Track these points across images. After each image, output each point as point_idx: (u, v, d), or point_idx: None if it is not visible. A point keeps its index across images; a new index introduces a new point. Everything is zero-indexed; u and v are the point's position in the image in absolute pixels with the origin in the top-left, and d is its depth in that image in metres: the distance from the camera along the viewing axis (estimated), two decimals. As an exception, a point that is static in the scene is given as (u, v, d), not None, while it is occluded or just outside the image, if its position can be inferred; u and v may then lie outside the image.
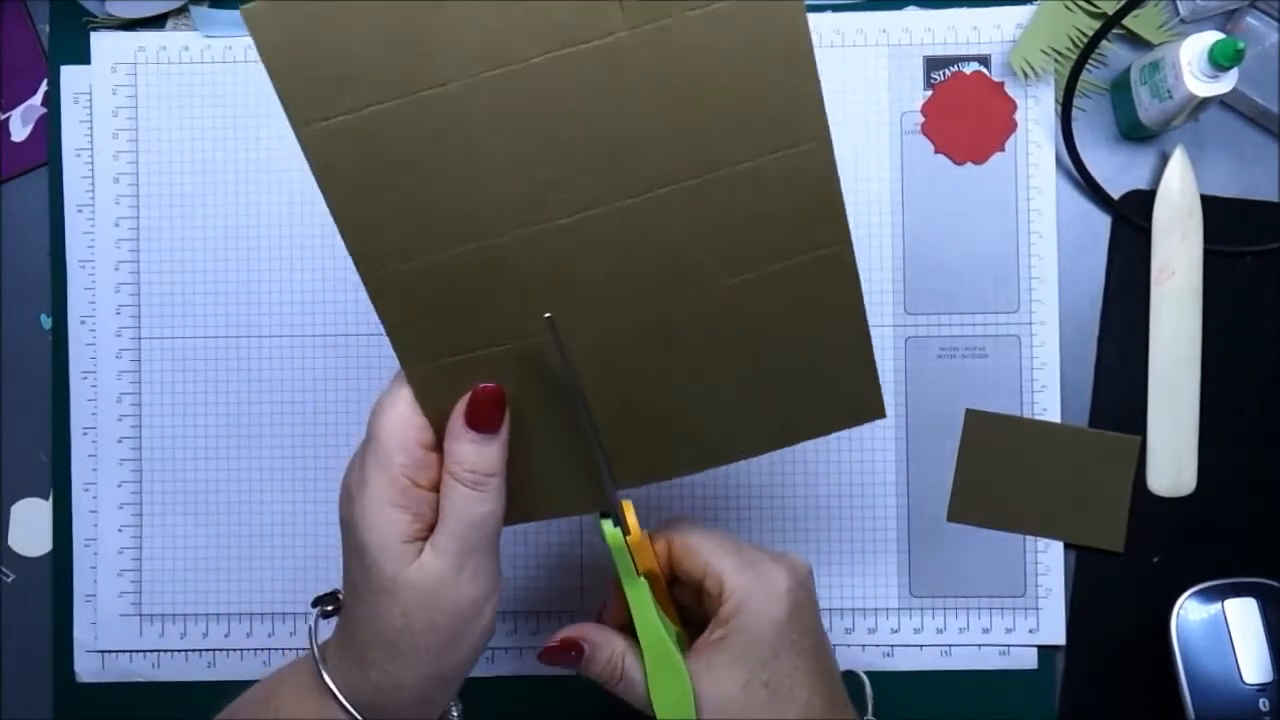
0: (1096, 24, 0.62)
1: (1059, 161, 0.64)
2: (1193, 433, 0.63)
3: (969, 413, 0.63)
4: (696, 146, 0.41)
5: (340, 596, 0.48)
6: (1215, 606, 0.59)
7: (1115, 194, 0.64)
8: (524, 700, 0.64)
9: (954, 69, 0.64)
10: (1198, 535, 0.63)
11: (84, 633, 0.65)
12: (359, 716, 0.45)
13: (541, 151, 0.41)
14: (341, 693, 0.45)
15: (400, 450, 0.43)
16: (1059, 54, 0.63)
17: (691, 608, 0.51)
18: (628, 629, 0.49)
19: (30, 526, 0.66)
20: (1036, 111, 0.64)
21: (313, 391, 0.65)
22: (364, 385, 0.65)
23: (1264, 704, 0.57)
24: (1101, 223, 0.64)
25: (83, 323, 0.65)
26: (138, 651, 0.65)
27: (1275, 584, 0.59)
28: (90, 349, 0.65)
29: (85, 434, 0.65)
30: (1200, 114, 0.61)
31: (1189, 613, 0.59)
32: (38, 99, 0.66)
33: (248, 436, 0.65)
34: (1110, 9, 0.61)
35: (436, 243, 0.42)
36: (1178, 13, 0.64)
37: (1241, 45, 0.56)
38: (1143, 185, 0.64)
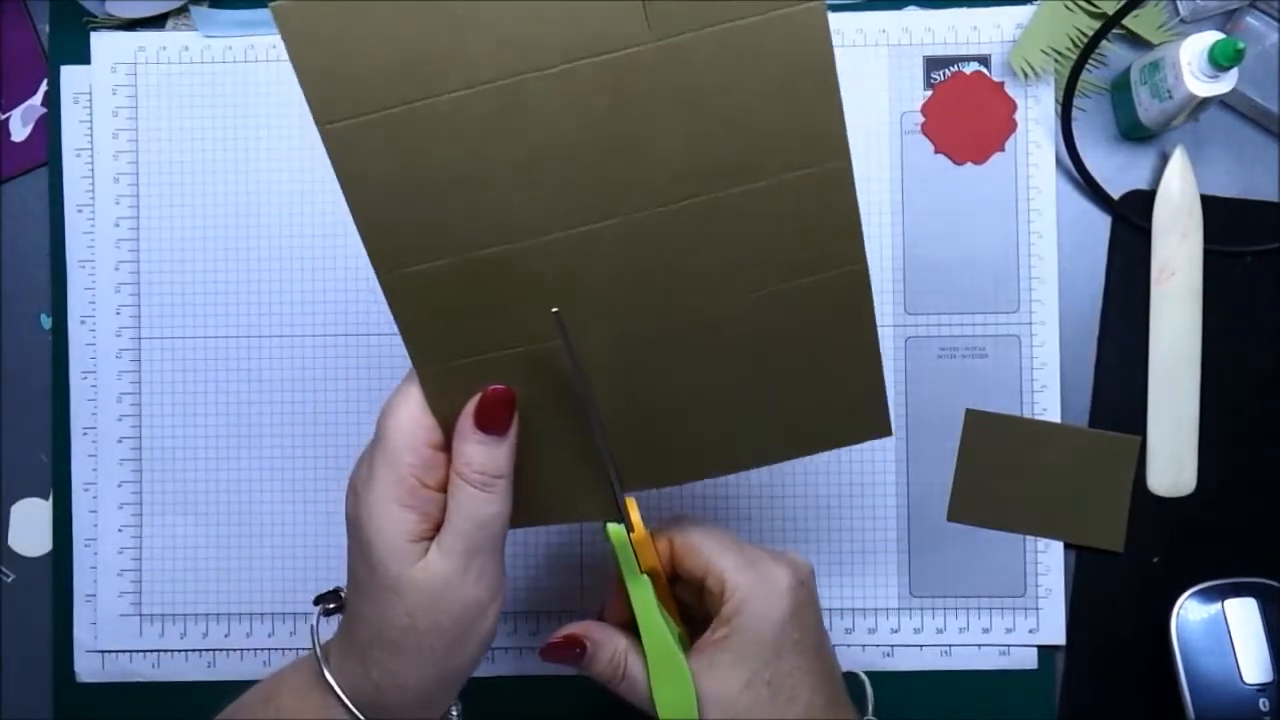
0: (1096, 24, 0.62)
1: (1059, 161, 0.64)
2: (1193, 433, 0.63)
3: (969, 413, 0.63)
4: (717, 160, 0.41)
5: (342, 595, 0.48)
6: (1215, 606, 0.59)
7: (1115, 194, 0.64)
8: (524, 700, 0.64)
9: (954, 69, 0.64)
10: (1198, 535, 0.63)
11: (84, 633, 0.65)
12: (361, 716, 0.45)
13: (562, 158, 0.41)
14: (343, 692, 0.45)
15: (409, 450, 0.43)
16: (1059, 54, 0.63)
17: (692, 607, 0.51)
18: (629, 627, 0.49)
19: (30, 526, 0.66)
20: (1036, 111, 0.64)
21: (313, 391, 0.65)
22: (364, 385, 0.65)
23: (1264, 704, 0.57)
24: (1101, 223, 0.64)
25: (83, 323, 0.65)
26: (138, 651, 0.65)
27: (1275, 584, 0.59)
28: (90, 349, 0.65)
29: (85, 434, 0.65)
30: (1200, 114, 0.61)
31: (1189, 613, 0.59)
32: (38, 99, 0.66)
33: (248, 436, 0.65)
34: (1110, 9, 0.61)
35: (454, 245, 0.42)
36: (1178, 13, 0.64)
37: (1241, 45, 0.56)
38: (1143, 185, 0.64)
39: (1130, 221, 0.63)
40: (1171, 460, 0.63)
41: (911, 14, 0.64)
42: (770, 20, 0.39)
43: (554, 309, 0.42)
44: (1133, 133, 0.64)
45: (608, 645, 0.49)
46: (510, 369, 0.44)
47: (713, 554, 0.48)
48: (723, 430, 0.47)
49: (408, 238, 0.42)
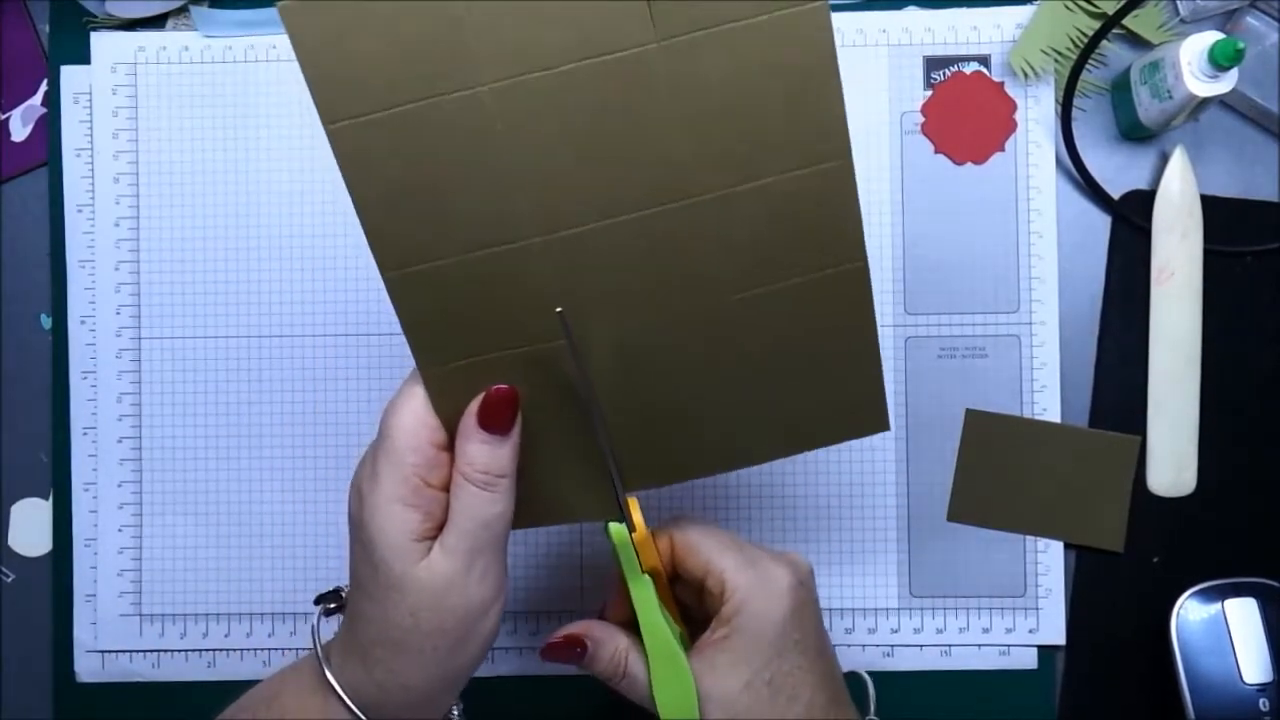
0: (1096, 24, 0.62)
1: (1059, 161, 0.64)
2: (1193, 433, 0.63)
3: (969, 413, 0.63)
4: (721, 159, 0.41)
5: (343, 594, 0.48)
6: (1215, 606, 0.59)
7: (1115, 194, 0.64)
8: (525, 700, 0.64)
9: (954, 69, 0.64)
10: (1198, 535, 0.63)
11: (84, 633, 0.65)
12: (363, 716, 0.45)
13: (565, 158, 0.41)
14: (345, 692, 0.45)
15: (412, 449, 0.43)
16: (1059, 54, 0.63)
17: (693, 606, 0.51)
18: (630, 627, 0.49)
19: (30, 526, 0.66)
20: (1036, 111, 0.64)
21: (313, 391, 0.65)
22: (364, 385, 0.65)
23: (1264, 704, 0.57)
24: (1101, 223, 0.64)
25: (83, 323, 0.65)
26: (138, 651, 0.65)
27: (1275, 584, 0.59)
28: (90, 349, 0.65)
29: (85, 434, 0.65)
30: (1200, 114, 0.61)
31: (1189, 613, 0.59)
32: (38, 99, 0.66)
33: (248, 436, 0.65)
34: (1110, 9, 0.61)
35: (457, 245, 0.42)
36: (1178, 13, 0.64)
37: (1241, 45, 0.56)
38: (1143, 185, 0.64)
39: (1130, 221, 0.63)
40: (1171, 460, 0.63)
41: (911, 14, 0.64)
42: (774, 20, 0.39)
43: (558, 309, 0.42)
44: (1133, 133, 0.64)
45: (608, 644, 0.49)
46: (513, 369, 0.44)
47: (713, 553, 0.49)
48: (724, 428, 0.47)
49: (412, 237, 0.42)
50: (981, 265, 0.64)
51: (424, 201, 0.41)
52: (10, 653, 0.65)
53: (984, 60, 0.64)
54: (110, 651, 0.65)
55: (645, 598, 0.48)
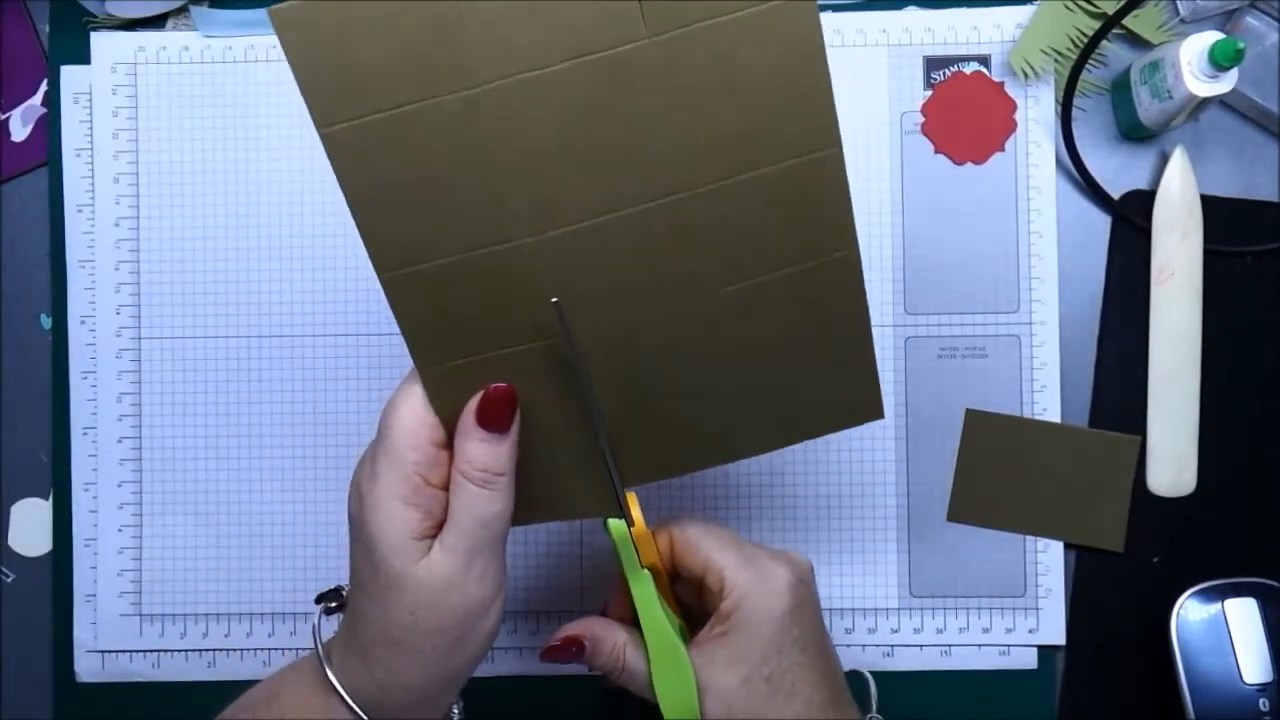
0: (1096, 24, 0.62)
1: (1059, 161, 0.64)
2: (1193, 433, 0.63)
3: (969, 413, 0.63)
4: (713, 153, 0.42)
5: (343, 593, 0.48)
6: (1215, 606, 0.59)
7: (1115, 194, 0.64)
8: (525, 700, 0.64)
9: (954, 69, 0.64)
10: (1198, 535, 0.63)
11: (84, 633, 0.65)
12: (364, 716, 0.45)
13: (559, 156, 0.41)
14: (346, 691, 0.45)
15: (412, 448, 0.44)
16: (1059, 54, 0.63)
17: (692, 605, 0.51)
18: (632, 623, 0.49)
19: (30, 526, 0.66)
20: (1036, 111, 0.64)
21: (313, 391, 0.65)
22: (364, 385, 0.65)
23: (1264, 704, 0.57)
24: (1101, 223, 0.64)
25: (83, 323, 0.65)
26: (138, 651, 0.65)
27: (1275, 584, 0.59)
28: (90, 349, 0.65)
29: (85, 434, 0.65)
30: (1200, 114, 0.61)
31: (1189, 613, 0.59)
32: (38, 99, 0.66)
33: (248, 436, 0.65)
34: (1110, 9, 0.61)
35: (453, 245, 0.42)
36: (1178, 13, 0.64)
37: (1241, 45, 0.56)
38: (1143, 185, 0.64)
39: (1130, 221, 0.63)
40: (1171, 460, 0.63)
41: (911, 14, 0.64)
42: (762, 12, 0.40)
43: (554, 299, 0.43)
44: (1133, 133, 0.64)
45: (606, 640, 0.49)
46: (510, 367, 0.44)
47: (712, 551, 0.49)
48: (721, 420, 0.47)
49: (408, 238, 0.42)
50: (981, 265, 0.64)
51: (419, 202, 0.42)
52: (10, 653, 0.65)
53: (984, 60, 0.64)
54: (110, 651, 0.65)
55: (645, 592, 0.48)
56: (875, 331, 0.61)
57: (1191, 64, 0.57)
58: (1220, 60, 0.56)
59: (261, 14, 0.64)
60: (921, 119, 0.64)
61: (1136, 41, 0.64)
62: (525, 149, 0.41)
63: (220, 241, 0.65)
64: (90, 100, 0.65)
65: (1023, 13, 0.64)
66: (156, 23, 0.65)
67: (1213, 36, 0.57)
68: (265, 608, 0.64)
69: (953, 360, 0.64)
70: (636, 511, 0.48)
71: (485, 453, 0.44)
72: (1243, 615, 0.59)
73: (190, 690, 0.64)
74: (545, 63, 0.40)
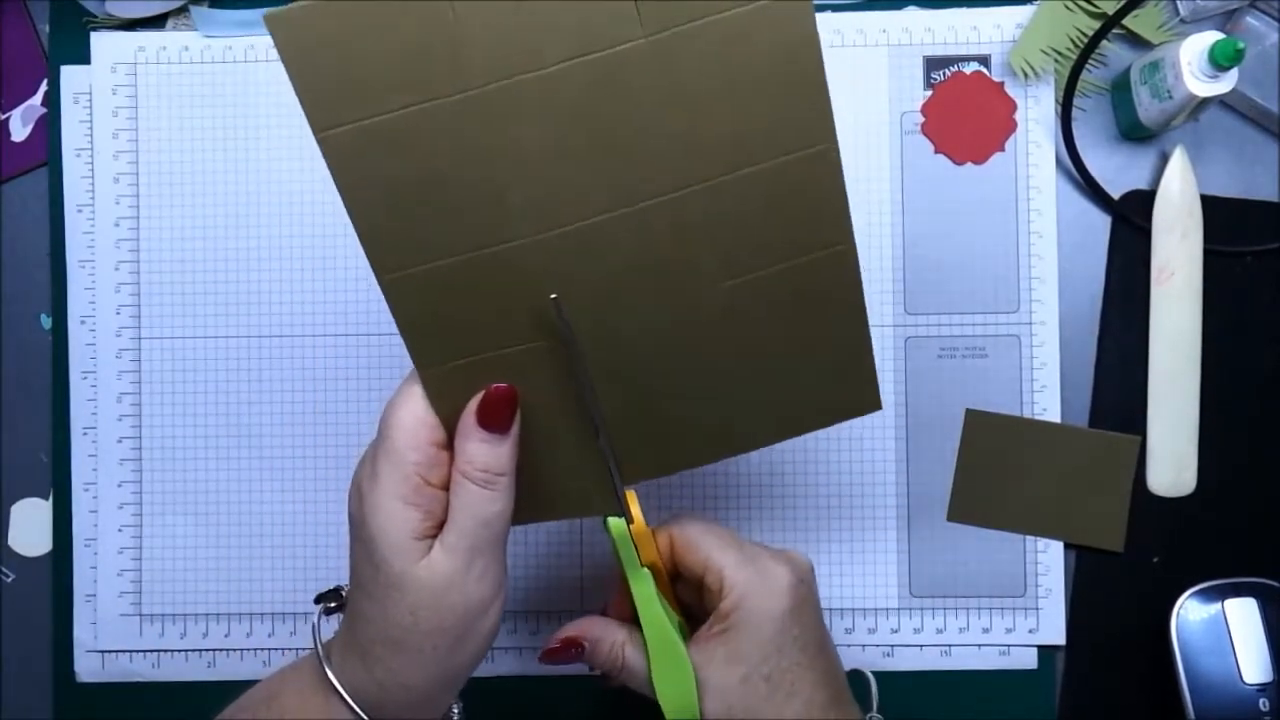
0: (1096, 24, 0.62)
1: (1059, 161, 0.64)
2: (1193, 433, 0.63)
3: (969, 413, 0.63)
4: (711, 150, 0.42)
5: (343, 593, 0.48)
6: (1215, 606, 0.59)
7: (1115, 194, 0.64)
8: (525, 700, 0.64)
9: (954, 69, 0.64)
10: (1198, 535, 0.63)
11: (84, 633, 0.65)
12: (364, 716, 0.45)
13: (557, 156, 0.41)
14: (346, 691, 0.45)
15: (412, 448, 0.44)
16: (1059, 54, 0.63)
17: (692, 604, 0.51)
18: (633, 622, 0.49)
19: (30, 526, 0.66)
20: (1036, 111, 0.64)
21: (312, 391, 0.65)
22: (364, 385, 0.65)
23: (1264, 704, 0.57)
24: (1101, 223, 0.64)
25: (83, 323, 0.65)
26: (138, 651, 0.65)
27: (1275, 584, 0.59)
28: (90, 349, 0.65)
29: (85, 434, 0.65)
30: (1200, 114, 0.61)
31: (1189, 613, 0.59)
32: (38, 99, 0.66)
33: (248, 436, 0.65)
34: (1110, 9, 0.61)
35: (451, 246, 0.42)
36: (1178, 13, 0.64)
37: (1241, 45, 0.56)
38: (1143, 185, 0.64)
39: (1130, 221, 0.63)
40: (1171, 460, 0.63)
41: (911, 14, 0.64)
42: (758, 9, 0.40)
43: (553, 295, 0.43)
44: (1133, 133, 0.64)
45: (605, 640, 0.49)
46: (510, 367, 0.44)
47: (712, 550, 0.49)
48: (720, 415, 0.47)
49: (406, 240, 0.42)
50: (981, 265, 0.64)
51: (417, 204, 0.42)
52: (10, 653, 0.65)
53: (984, 60, 0.64)
54: (110, 651, 0.65)
55: (644, 591, 0.48)
56: (875, 331, 0.61)
57: (1191, 64, 0.57)
58: (1220, 60, 0.56)
59: (261, 14, 0.64)
60: (921, 119, 0.64)
61: (1136, 41, 0.64)
62: (523, 149, 0.41)
63: (220, 241, 0.65)
64: (90, 100, 0.65)
65: (1023, 13, 0.64)
66: (156, 23, 0.65)
67: (1213, 36, 0.57)
68: (265, 608, 0.64)
69: (953, 360, 0.64)
70: (636, 509, 0.48)
71: (486, 453, 0.44)
72: (1243, 615, 0.59)
73: (190, 690, 0.64)
74: (542, 63, 0.40)
